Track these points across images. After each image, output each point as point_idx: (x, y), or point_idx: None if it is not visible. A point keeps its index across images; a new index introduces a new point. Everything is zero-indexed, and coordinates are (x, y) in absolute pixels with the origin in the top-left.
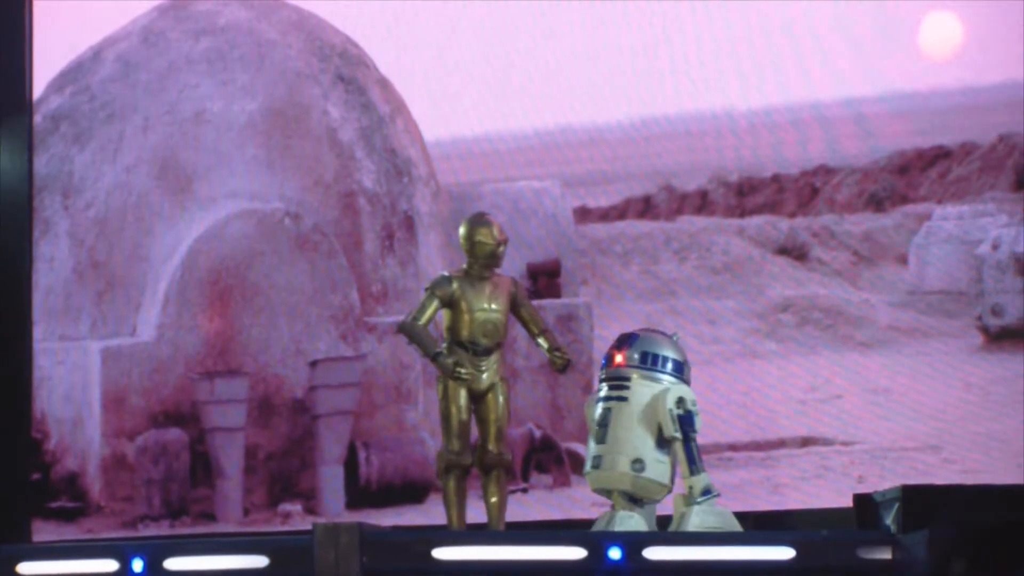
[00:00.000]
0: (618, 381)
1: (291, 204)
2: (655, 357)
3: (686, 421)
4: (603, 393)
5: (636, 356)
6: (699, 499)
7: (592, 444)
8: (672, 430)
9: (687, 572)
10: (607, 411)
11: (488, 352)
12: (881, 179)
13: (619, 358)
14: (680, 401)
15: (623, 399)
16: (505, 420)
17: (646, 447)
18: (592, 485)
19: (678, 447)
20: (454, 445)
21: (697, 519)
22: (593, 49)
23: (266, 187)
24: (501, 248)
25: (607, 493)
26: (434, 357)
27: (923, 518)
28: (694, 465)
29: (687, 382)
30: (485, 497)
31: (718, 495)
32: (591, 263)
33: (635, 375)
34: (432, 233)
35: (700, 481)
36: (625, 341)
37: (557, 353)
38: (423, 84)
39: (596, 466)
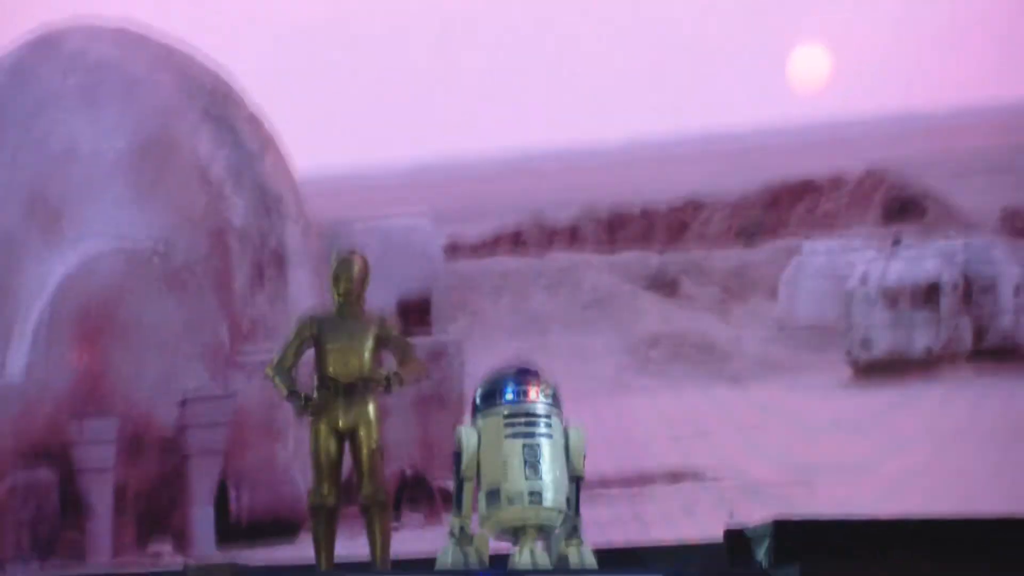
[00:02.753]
0: (537, 417)
1: (160, 241)
2: (557, 395)
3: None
4: (520, 429)
5: (548, 392)
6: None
7: (518, 480)
8: (581, 470)
9: None
10: (535, 447)
11: (352, 390)
12: (750, 213)
13: (533, 393)
14: (584, 441)
15: (551, 436)
16: (373, 460)
17: (568, 484)
18: (511, 521)
19: (574, 487)
20: (320, 486)
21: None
22: (464, 83)
23: (135, 224)
24: (346, 285)
25: (514, 530)
26: (287, 396)
27: (795, 552)
28: (578, 503)
29: None
30: (368, 535)
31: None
32: (461, 299)
33: (554, 412)
34: (302, 270)
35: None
36: (530, 376)
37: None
38: (294, 118)
39: (536, 501)
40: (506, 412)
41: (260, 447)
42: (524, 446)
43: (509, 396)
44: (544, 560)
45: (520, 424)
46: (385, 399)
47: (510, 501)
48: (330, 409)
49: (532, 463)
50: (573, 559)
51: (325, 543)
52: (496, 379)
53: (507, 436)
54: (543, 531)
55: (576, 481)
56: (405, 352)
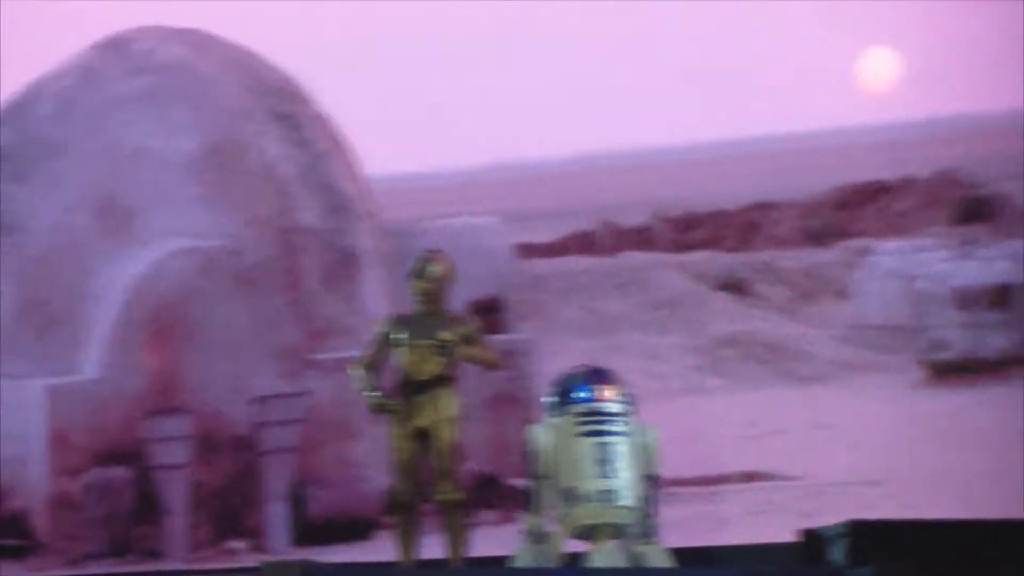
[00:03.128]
0: (609, 416)
1: (231, 241)
2: (630, 395)
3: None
4: (593, 428)
5: (623, 392)
6: (656, 537)
7: (590, 479)
8: (656, 468)
9: None
10: (607, 446)
11: (423, 389)
12: (821, 214)
13: (607, 393)
14: (658, 439)
15: (625, 434)
16: (449, 458)
17: (642, 484)
18: (584, 519)
19: (650, 486)
20: (397, 483)
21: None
22: (536, 86)
23: (205, 224)
24: (424, 285)
25: (588, 529)
26: (365, 393)
27: (870, 552)
28: (656, 503)
29: None
30: (444, 534)
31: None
32: (532, 299)
33: (628, 412)
34: (374, 270)
35: (656, 520)
36: (603, 377)
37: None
38: (363, 120)
39: (607, 500)
40: (580, 411)
41: (335, 446)
42: (596, 445)
43: (583, 395)
44: (617, 559)
45: (593, 423)
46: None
47: (582, 500)
48: (408, 408)
49: (604, 462)
50: (648, 558)
51: (406, 541)
52: (570, 378)
53: (580, 435)
54: (616, 530)
55: (652, 480)
56: (479, 342)
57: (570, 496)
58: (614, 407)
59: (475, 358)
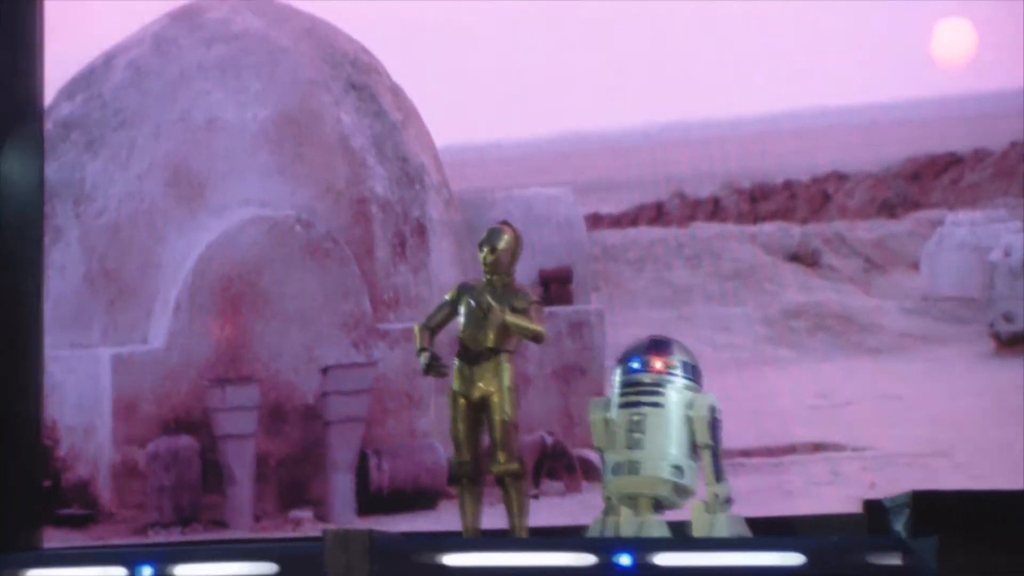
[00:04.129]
0: (651, 387)
1: (302, 211)
2: (691, 366)
3: (716, 428)
4: (632, 399)
5: (676, 363)
6: (722, 507)
7: (622, 450)
8: (707, 437)
9: None
10: (642, 418)
11: (478, 359)
12: (893, 185)
13: (659, 364)
14: (712, 409)
15: (658, 405)
16: (504, 430)
17: (682, 454)
18: (622, 490)
19: (707, 454)
20: (458, 455)
21: (726, 528)
22: (605, 56)
23: (278, 194)
24: (489, 256)
25: (630, 499)
26: (418, 351)
27: (933, 523)
28: (720, 473)
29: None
30: (505, 505)
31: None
32: (603, 270)
33: (673, 382)
34: (445, 240)
35: (724, 489)
36: (661, 347)
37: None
38: (435, 91)
39: (634, 471)
40: (624, 382)
41: (401, 416)
42: (629, 416)
43: (634, 366)
44: (656, 529)
45: (631, 394)
46: (524, 369)
47: (615, 471)
48: (462, 379)
49: (634, 432)
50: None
51: (469, 512)
52: (629, 350)
53: (619, 407)
54: (656, 500)
55: (704, 450)
56: (527, 312)
57: (606, 467)
58: (652, 378)
59: (517, 327)
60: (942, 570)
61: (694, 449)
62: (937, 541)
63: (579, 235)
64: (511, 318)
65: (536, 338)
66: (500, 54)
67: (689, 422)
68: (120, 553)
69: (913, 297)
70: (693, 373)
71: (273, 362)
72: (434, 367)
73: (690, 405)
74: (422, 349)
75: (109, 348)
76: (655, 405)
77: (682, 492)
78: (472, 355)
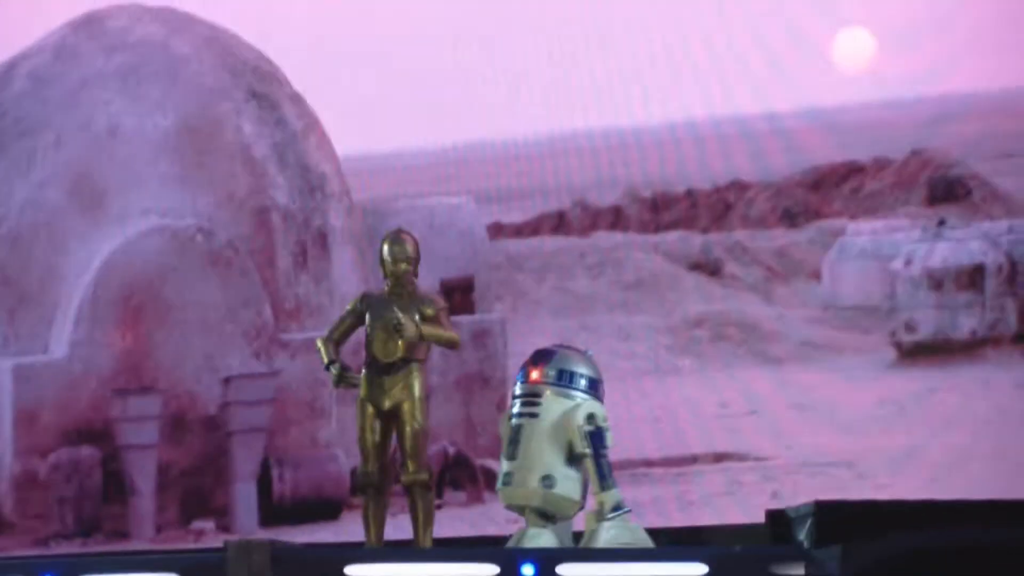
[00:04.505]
0: (530, 397)
1: (204, 220)
2: (570, 374)
3: (596, 437)
4: (515, 409)
5: (552, 373)
6: (609, 515)
7: (504, 461)
8: (581, 446)
9: None
10: (519, 428)
11: (388, 370)
12: (795, 194)
13: (535, 374)
14: (590, 417)
15: (534, 415)
16: (414, 440)
17: (556, 463)
18: (504, 501)
19: (588, 463)
20: (364, 464)
21: (607, 535)
22: (506, 65)
23: (179, 203)
24: (400, 266)
25: (520, 510)
26: (326, 366)
27: (836, 533)
28: (604, 481)
29: (600, 399)
30: (411, 514)
31: (629, 511)
32: (505, 279)
33: (548, 392)
34: (346, 249)
35: (611, 497)
36: (541, 357)
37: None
38: (336, 100)
39: (507, 483)
40: (512, 394)
41: (304, 426)
42: (511, 427)
43: (520, 377)
44: (541, 540)
45: (513, 406)
46: (427, 379)
47: (501, 482)
48: (372, 389)
49: (511, 444)
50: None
51: (374, 522)
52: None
53: (507, 418)
54: (537, 511)
55: (586, 459)
56: (438, 320)
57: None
58: (531, 388)
59: (432, 337)
60: None
61: (574, 459)
62: (840, 551)
63: (481, 244)
64: (427, 330)
65: (452, 345)
66: (401, 63)
67: (565, 431)
68: (22, 563)
69: (815, 306)
70: (575, 381)
71: (175, 372)
72: (345, 379)
73: (565, 414)
74: (331, 362)
75: (10, 359)
76: (530, 416)
77: (560, 502)
78: (382, 365)
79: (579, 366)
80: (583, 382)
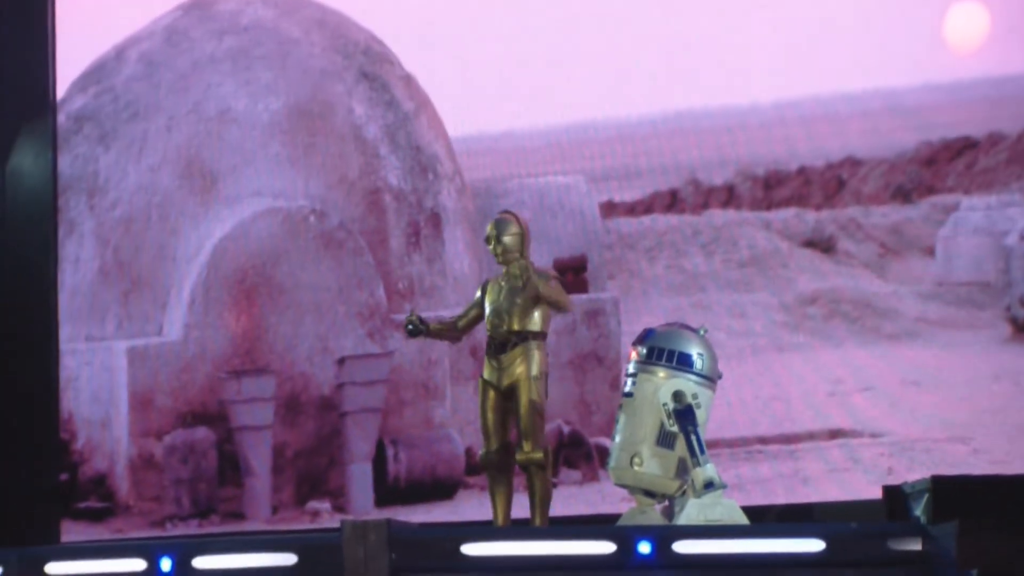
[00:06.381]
0: (629, 377)
1: (316, 202)
2: (660, 351)
3: (684, 415)
4: (624, 389)
5: (644, 351)
6: (701, 492)
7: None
8: (669, 425)
9: (717, 566)
10: (620, 407)
11: (503, 348)
12: (908, 170)
13: (632, 354)
14: (677, 395)
15: (630, 395)
16: (531, 418)
17: (646, 442)
18: (612, 480)
19: (680, 441)
20: (485, 443)
21: (693, 512)
22: (618, 44)
23: (291, 185)
24: (497, 247)
25: (628, 488)
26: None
27: (953, 509)
28: (695, 458)
29: (703, 375)
30: (529, 494)
31: (723, 487)
32: (618, 258)
33: (642, 371)
34: (459, 229)
35: (701, 474)
36: (640, 337)
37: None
38: (447, 80)
39: (609, 463)
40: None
41: (418, 406)
42: (619, 407)
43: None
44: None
45: (626, 385)
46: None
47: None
48: (492, 368)
49: (615, 423)
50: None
51: (500, 501)
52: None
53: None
54: (642, 490)
55: (678, 436)
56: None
57: None
58: (631, 367)
59: (546, 293)
60: (962, 556)
61: (666, 437)
62: (957, 526)
63: (593, 223)
64: (544, 288)
65: (565, 309)
66: (512, 43)
67: (656, 410)
68: (139, 546)
69: (928, 282)
70: (668, 359)
71: (288, 353)
72: (413, 323)
73: (654, 392)
74: (413, 311)
75: (124, 340)
76: (628, 395)
77: (651, 480)
78: (498, 344)
79: (675, 343)
80: (675, 358)
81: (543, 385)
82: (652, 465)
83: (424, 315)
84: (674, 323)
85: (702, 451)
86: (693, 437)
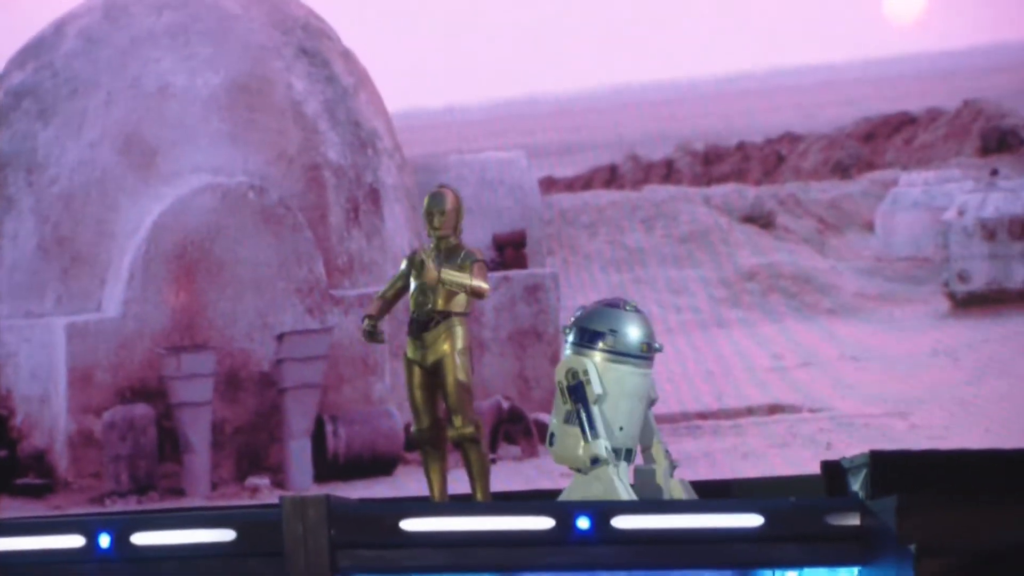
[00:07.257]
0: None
1: (255, 178)
2: (572, 330)
3: (575, 391)
4: None
5: (565, 330)
6: (587, 468)
7: None
8: (562, 401)
9: (656, 541)
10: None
11: (426, 326)
12: (847, 146)
13: (565, 329)
14: (569, 372)
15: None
16: (458, 394)
17: (558, 420)
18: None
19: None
20: (417, 422)
21: (575, 487)
22: (559, 19)
23: (230, 161)
24: (439, 219)
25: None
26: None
27: (891, 484)
28: (584, 433)
29: (619, 351)
30: (466, 470)
31: (609, 463)
32: (557, 233)
33: (573, 351)
34: (398, 205)
35: (589, 449)
36: (576, 314)
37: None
38: (386, 55)
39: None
40: None
41: (357, 382)
42: None
43: None
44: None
45: None
46: (479, 334)
47: None
48: (416, 346)
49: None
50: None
51: (436, 478)
52: None
53: None
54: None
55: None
56: (469, 270)
57: None
58: (569, 348)
59: (451, 280)
60: (900, 530)
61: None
62: (896, 501)
63: (533, 199)
64: (446, 274)
65: (474, 293)
66: (452, 18)
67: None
68: (79, 521)
69: (868, 258)
70: (583, 337)
71: (228, 329)
72: (372, 334)
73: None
74: (367, 316)
75: (63, 317)
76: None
77: (565, 458)
78: (421, 322)
79: (587, 321)
80: (585, 337)
81: (468, 360)
82: (563, 443)
83: (362, 291)
84: (608, 299)
85: (591, 427)
86: (583, 413)
